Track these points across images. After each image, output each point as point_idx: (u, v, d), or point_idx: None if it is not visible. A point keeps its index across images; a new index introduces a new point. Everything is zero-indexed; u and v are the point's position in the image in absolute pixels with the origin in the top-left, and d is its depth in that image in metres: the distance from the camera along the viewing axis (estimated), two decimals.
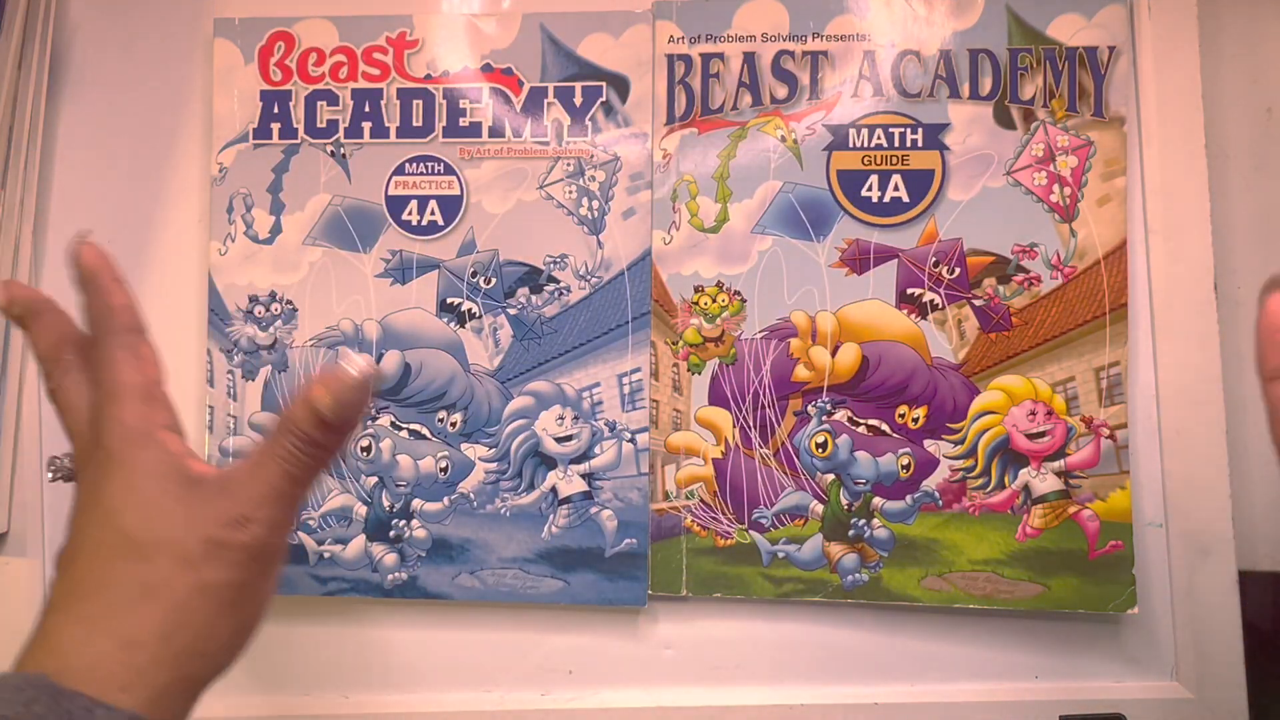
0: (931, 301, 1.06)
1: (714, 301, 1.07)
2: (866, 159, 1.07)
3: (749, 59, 1.08)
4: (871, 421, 1.06)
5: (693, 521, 1.06)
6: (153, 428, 0.72)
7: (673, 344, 1.07)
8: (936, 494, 1.05)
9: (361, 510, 1.08)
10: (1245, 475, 1.08)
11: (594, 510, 1.06)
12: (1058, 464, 1.04)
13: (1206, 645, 1.04)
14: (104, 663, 0.65)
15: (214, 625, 0.69)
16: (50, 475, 0.79)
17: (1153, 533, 1.05)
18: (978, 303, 1.05)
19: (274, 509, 0.69)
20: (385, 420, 1.08)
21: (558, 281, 1.07)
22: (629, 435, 1.07)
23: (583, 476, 1.07)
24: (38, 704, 0.62)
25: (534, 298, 1.07)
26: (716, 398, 1.07)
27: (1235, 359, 1.08)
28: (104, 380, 0.72)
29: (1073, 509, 1.03)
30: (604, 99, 1.08)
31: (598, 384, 1.07)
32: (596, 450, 1.07)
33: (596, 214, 1.07)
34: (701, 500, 1.07)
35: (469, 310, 1.08)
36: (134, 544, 0.68)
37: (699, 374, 1.07)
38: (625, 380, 1.07)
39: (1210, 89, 1.08)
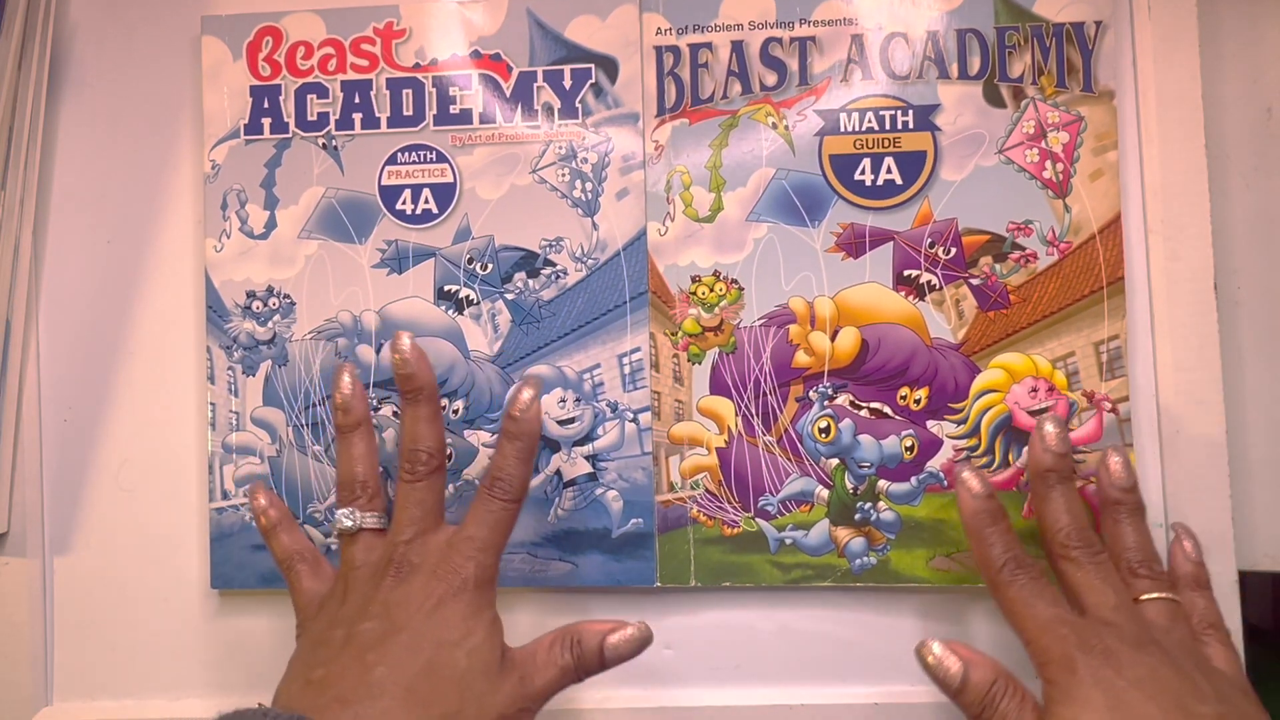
0: (929, 282, 1.06)
1: (711, 291, 1.07)
2: (858, 143, 1.07)
3: (737, 47, 1.08)
4: (873, 405, 1.06)
5: (699, 511, 1.06)
6: (495, 583, 0.95)
7: (672, 335, 1.07)
8: (941, 474, 1.05)
9: None
10: (1245, 475, 1.08)
11: (599, 491, 1.06)
12: None
13: None
14: None
15: None
16: (349, 524, 0.99)
17: (1152, 533, 1.04)
18: (975, 282, 1.05)
19: (548, 697, 0.92)
20: (388, 410, 1.08)
21: (554, 265, 1.07)
22: (631, 415, 1.07)
23: (586, 458, 1.07)
24: None
25: (531, 282, 1.07)
26: (718, 387, 1.07)
27: (1235, 359, 1.08)
28: (493, 528, 0.95)
29: (1077, 484, 1.02)
30: (593, 80, 1.08)
31: (598, 365, 1.07)
32: (599, 431, 1.07)
33: (590, 196, 1.07)
34: (707, 490, 1.06)
35: (467, 297, 1.08)
36: (462, 689, 0.87)
37: (699, 364, 1.07)
38: (625, 361, 1.06)
39: (1210, 89, 1.08)
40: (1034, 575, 0.90)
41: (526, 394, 0.97)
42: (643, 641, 0.94)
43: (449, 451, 1.08)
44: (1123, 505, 0.97)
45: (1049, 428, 0.96)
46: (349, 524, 0.98)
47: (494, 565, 0.94)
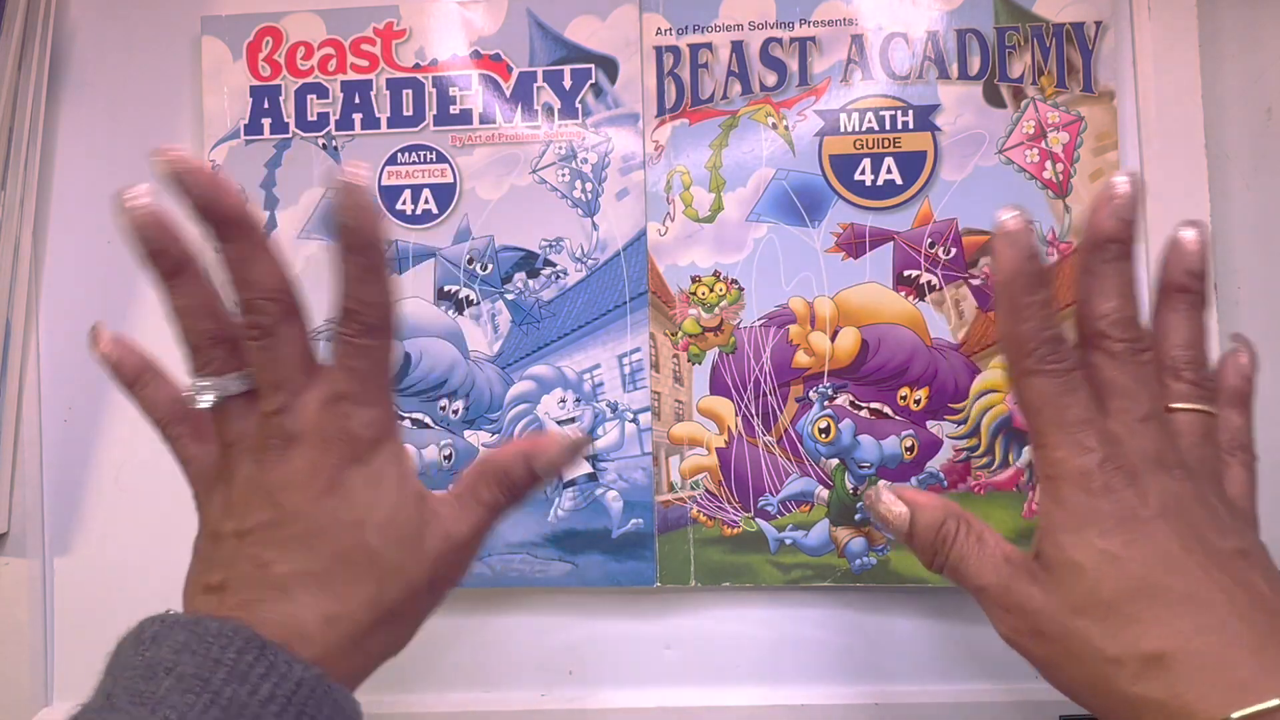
0: (929, 282, 1.06)
1: (711, 291, 1.07)
2: (858, 143, 1.07)
3: (737, 48, 1.08)
4: (873, 405, 1.06)
5: (699, 512, 1.06)
6: (399, 433, 0.76)
7: (672, 335, 1.07)
8: (941, 475, 1.05)
9: None
10: None
11: (599, 492, 1.06)
12: None
13: None
14: (343, 653, 0.69)
15: (406, 639, 0.75)
16: (210, 398, 0.73)
17: None
18: (975, 282, 1.05)
19: (479, 542, 0.76)
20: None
21: (554, 265, 1.08)
22: (631, 416, 1.07)
23: (587, 458, 1.07)
24: (313, 701, 0.65)
25: (531, 282, 1.08)
26: (718, 387, 1.07)
27: None
28: (361, 374, 0.73)
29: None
30: (593, 81, 1.09)
31: (598, 365, 1.07)
32: (599, 431, 1.07)
33: (590, 196, 1.08)
34: (707, 490, 1.06)
35: (467, 297, 1.08)
36: (382, 564, 0.71)
37: (699, 364, 1.07)
38: (625, 361, 1.07)
39: (1210, 89, 1.08)
40: (1070, 366, 0.69)
41: (353, 196, 0.69)
42: (578, 447, 0.78)
43: (449, 452, 1.08)
44: (1186, 294, 0.75)
45: (1120, 186, 0.69)
46: (210, 398, 0.73)
47: (383, 416, 0.74)
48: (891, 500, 0.77)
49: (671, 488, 1.07)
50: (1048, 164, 1.05)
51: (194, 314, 0.74)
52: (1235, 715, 0.63)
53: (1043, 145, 1.06)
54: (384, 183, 1.10)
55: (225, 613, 0.68)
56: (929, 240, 1.06)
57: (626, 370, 1.07)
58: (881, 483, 0.82)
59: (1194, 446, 0.74)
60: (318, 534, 0.71)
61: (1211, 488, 0.73)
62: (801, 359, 1.06)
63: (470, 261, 1.08)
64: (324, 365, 0.75)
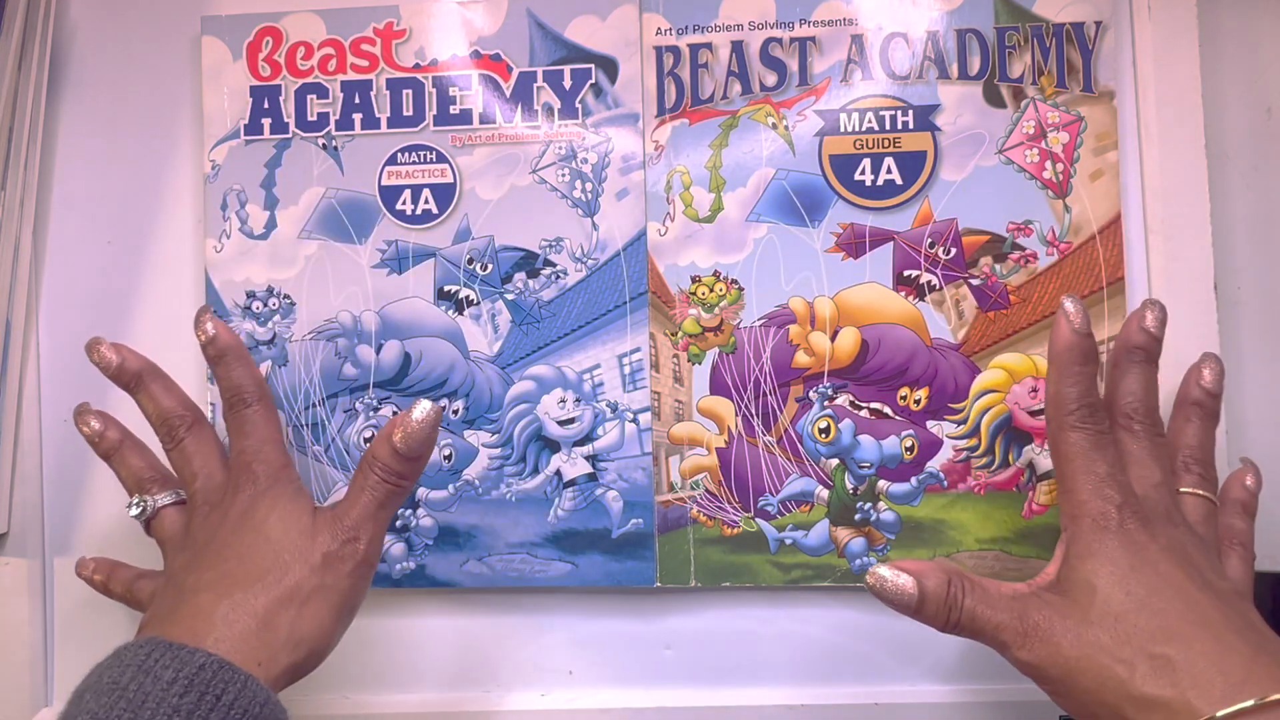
0: (929, 283, 1.06)
1: (711, 291, 1.06)
2: (858, 143, 1.07)
3: (737, 48, 1.08)
4: (873, 405, 1.06)
5: (699, 512, 1.06)
6: (289, 467, 0.96)
7: (672, 335, 1.07)
8: (941, 475, 1.05)
9: None
10: None
11: (599, 492, 1.06)
12: None
13: None
14: (248, 639, 0.82)
15: (324, 621, 0.88)
16: (137, 512, 0.98)
17: None
18: (975, 282, 1.05)
19: (371, 528, 0.91)
20: (387, 410, 1.08)
21: (554, 265, 1.07)
22: (631, 416, 1.06)
23: (586, 458, 1.06)
24: (217, 681, 0.76)
25: (531, 282, 1.07)
26: (718, 387, 1.07)
27: (1235, 359, 1.08)
28: (252, 433, 0.96)
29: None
30: (593, 81, 1.08)
31: (598, 365, 1.06)
32: (599, 432, 1.07)
33: (590, 196, 1.07)
34: (707, 490, 1.06)
35: (467, 297, 1.08)
36: (276, 551, 0.88)
37: (699, 364, 1.07)
38: (625, 361, 1.06)
39: (1210, 89, 1.07)
40: (1103, 430, 0.87)
41: (209, 325, 0.99)
42: (428, 420, 0.90)
43: (448, 452, 1.08)
44: (1200, 407, 0.96)
45: (1151, 312, 0.93)
46: (138, 510, 0.99)
47: (278, 458, 0.96)
48: (894, 574, 0.85)
49: (671, 488, 1.07)
50: (1048, 164, 1.05)
51: (130, 468, 1.00)
52: (1220, 713, 0.73)
53: (1043, 145, 1.05)
54: (384, 183, 1.09)
55: (146, 636, 0.81)
56: (929, 240, 1.06)
57: (626, 370, 1.06)
58: (874, 567, 0.86)
59: (1198, 523, 0.90)
60: (226, 548, 0.90)
61: (1212, 552, 0.89)
62: (801, 359, 1.06)
63: (470, 261, 1.08)
64: (229, 451, 0.99)
